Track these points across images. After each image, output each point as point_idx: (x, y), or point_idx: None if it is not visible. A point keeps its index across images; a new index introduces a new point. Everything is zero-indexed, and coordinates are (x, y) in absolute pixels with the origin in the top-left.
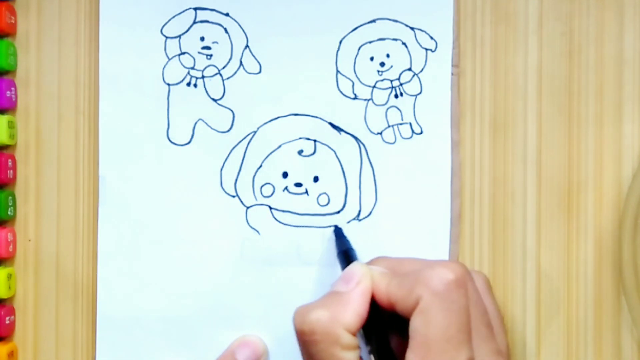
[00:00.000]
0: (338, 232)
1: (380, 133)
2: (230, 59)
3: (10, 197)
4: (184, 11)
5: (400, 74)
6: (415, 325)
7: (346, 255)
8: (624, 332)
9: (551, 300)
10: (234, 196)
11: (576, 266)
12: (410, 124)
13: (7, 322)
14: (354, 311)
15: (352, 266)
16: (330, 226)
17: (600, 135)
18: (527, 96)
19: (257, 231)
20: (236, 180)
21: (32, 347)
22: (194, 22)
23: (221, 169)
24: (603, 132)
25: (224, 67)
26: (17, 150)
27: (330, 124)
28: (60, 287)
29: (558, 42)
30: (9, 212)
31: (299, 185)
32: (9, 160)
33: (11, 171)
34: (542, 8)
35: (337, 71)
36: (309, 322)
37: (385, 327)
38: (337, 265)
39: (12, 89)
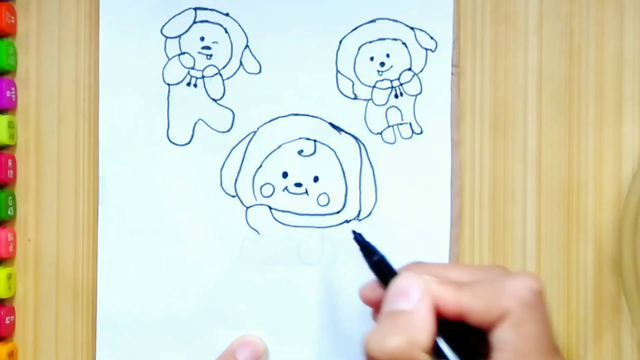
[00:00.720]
0: (360, 239)
1: (380, 133)
2: (230, 59)
3: (10, 197)
4: (184, 11)
5: (400, 74)
6: (506, 337)
7: (381, 264)
8: (624, 332)
9: (551, 300)
10: (234, 196)
11: (576, 266)
12: (410, 124)
13: (7, 322)
14: (427, 330)
15: (405, 279)
16: (329, 226)
17: (600, 135)
18: (527, 96)
19: (257, 231)
20: (236, 180)
21: (32, 347)
22: (194, 22)
23: (221, 169)
24: (603, 132)
25: (224, 67)
26: (17, 150)
27: (330, 124)
28: (60, 287)
29: (558, 42)
30: (9, 212)
31: (299, 185)
32: (9, 160)
33: (11, 171)
34: (542, 8)
35: (337, 71)
36: (387, 351)
37: (466, 339)
38: (336, 265)
39: (12, 89)
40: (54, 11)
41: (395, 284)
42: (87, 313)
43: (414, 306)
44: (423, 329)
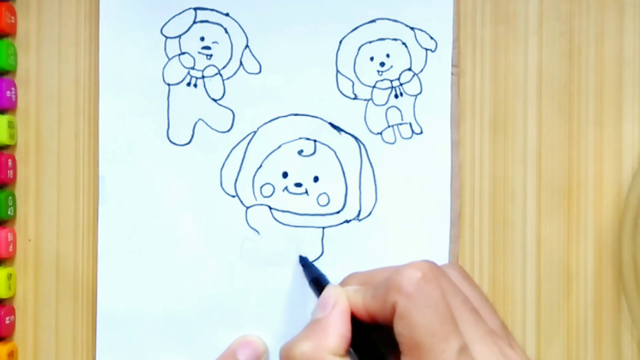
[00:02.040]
0: (304, 262)
1: (380, 133)
2: (230, 59)
3: (10, 197)
4: (184, 11)
5: (400, 74)
6: (399, 330)
7: (317, 283)
8: (624, 332)
9: (551, 300)
10: (234, 196)
11: (576, 266)
12: (410, 124)
13: (7, 322)
14: (337, 334)
15: (326, 291)
16: (329, 226)
17: (600, 135)
18: (527, 96)
19: (257, 231)
20: (236, 180)
21: (32, 347)
22: (194, 22)
23: (221, 169)
24: (603, 132)
25: (224, 67)
26: (17, 150)
27: (330, 124)
28: (60, 287)
29: (558, 42)
30: (9, 212)
31: (299, 185)
32: (9, 160)
33: (11, 171)
34: (542, 8)
35: (337, 71)
36: (293, 357)
37: (372, 342)
38: (336, 265)
39: (12, 89)
40: (54, 11)
41: (320, 298)
42: (87, 313)
43: (326, 314)
44: (331, 333)
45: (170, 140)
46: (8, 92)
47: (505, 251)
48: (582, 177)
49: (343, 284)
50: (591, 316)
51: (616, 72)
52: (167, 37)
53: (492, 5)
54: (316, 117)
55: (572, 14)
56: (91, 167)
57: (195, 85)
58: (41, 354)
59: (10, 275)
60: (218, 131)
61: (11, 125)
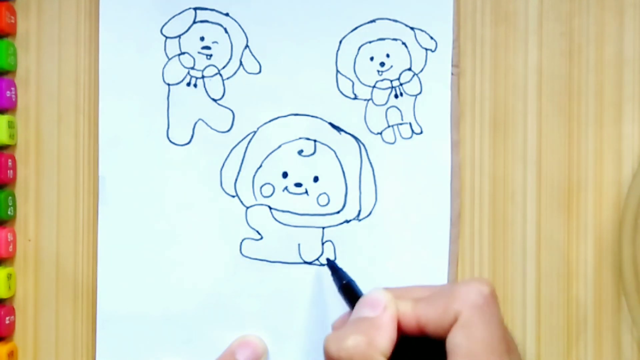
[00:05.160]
0: (332, 265)
1: (380, 133)
2: (230, 59)
3: (10, 197)
4: (183, 11)
5: (400, 74)
6: (457, 340)
7: (349, 288)
8: (624, 332)
9: (551, 300)
10: (233, 196)
11: (576, 266)
12: (410, 124)
13: (7, 322)
14: (388, 336)
15: (375, 292)
16: (329, 226)
17: (600, 135)
18: (527, 96)
19: (257, 231)
20: (236, 180)
21: (32, 347)
22: (194, 22)
23: (221, 169)
24: (603, 132)
25: (224, 67)
26: (17, 150)
27: (330, 124)
28: (60, 287)
29: (558, 42)
30: (9, 212)
31: (299, 185)
32: (9, 160)
33: (11, 171)
34: (542, 8)
35: (337, 71)
36: (346, 349)
37: (412, 352)
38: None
39: (12, 89)
40: (54, 11)
41: (364, 297)
42: (87, 313)
43: (378, 313)
44: (384, 334)
45: (170, 140)
46: (8, 92)
47: (505, 251)
48: (582, 177)
49: None
50: (591, 316)
51: (616, 72)
52: (167, 37)
53: (492, 5)
54: (316, 117)
55: (572, 14)
56: (91, 167)
57: (195, 85)
58: (41, 354)
59: (10, 275)
60: (218, 131)
61: (11, 125)
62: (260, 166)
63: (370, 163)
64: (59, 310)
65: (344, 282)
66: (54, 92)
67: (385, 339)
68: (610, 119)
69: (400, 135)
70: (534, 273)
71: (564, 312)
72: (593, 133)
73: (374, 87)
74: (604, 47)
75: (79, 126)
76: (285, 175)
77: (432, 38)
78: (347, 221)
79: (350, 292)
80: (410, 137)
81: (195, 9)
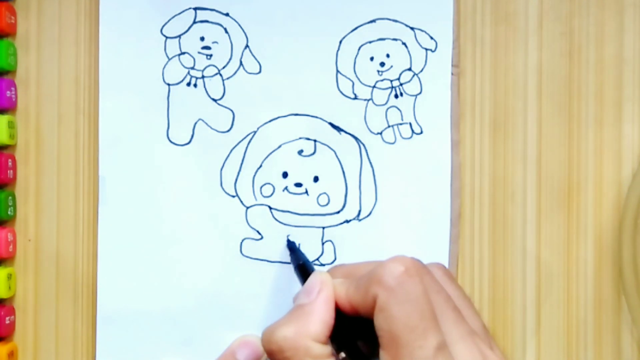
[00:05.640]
0: (292, 246)
1: (380, 133)
2: (230, 59)
3: (10, 197)
4: (184, 11)
5: (400, 74)
6: (379, 323)
7: (303, 269)
8: (624, 332)
9: (551, 300)
10: (234, 196)
11: (576, 266)
12: (410, 124)
13: (7, 322)
14: (320, 320)
15: (312, 277)
16: (329, 226)
17: (600, 135)
18: (527, 96)
19: (257, 231)
20: (236, 180)
21: (32, 347)
22: (194, 22)
23: (221, 169)
24: (603, 132)
25: (224, 67)
26: (17, 150)
27: (330, 124)
28: (60, 287)
29: (558, 42)
30: (9, 212)
31: (299, 185)
32: (9, 160)
33: (11, 171)
34: (542, 8)
35: (337, 71)
36: (275, 341)
37: (354, 333)
38: (339, 263)
39: (12, 89)
40: (54, 11)
41: (306, 283)
42: (87, 313)
43: (311, 299)
44: (314, 319)
45: (170, 140)
46: (8, 92)
47: (505, 251)
48: (582, 177)
49: (329, 274)
50: (591, 316)
51: (616, 72)
52: (167, 37)
53: (492, 5)
54: (316, 117)
55: (572, 14)
56: (91, 167)
57: (195, 85)
58: (41, 354)
59: (10, 275)
60: (218, 131)
61: (11, 125)
62: (260, 166)
63: (370, 163)
64: (59, 310)
65: (300, 262)
66: (54, 92)
67: (317, 324)
68: (610, 119)
69: (401, 135)
70: (534, 273)
71: (564, 312)
72: (593, 133)
73: (374, 87)
74: (604, 47)
75: (79, 126)
76: (285, 175)
77: (432, 38)
78: (347, 221)
79: (305, 274)
80: (410, 137)
81: (195, 9)
